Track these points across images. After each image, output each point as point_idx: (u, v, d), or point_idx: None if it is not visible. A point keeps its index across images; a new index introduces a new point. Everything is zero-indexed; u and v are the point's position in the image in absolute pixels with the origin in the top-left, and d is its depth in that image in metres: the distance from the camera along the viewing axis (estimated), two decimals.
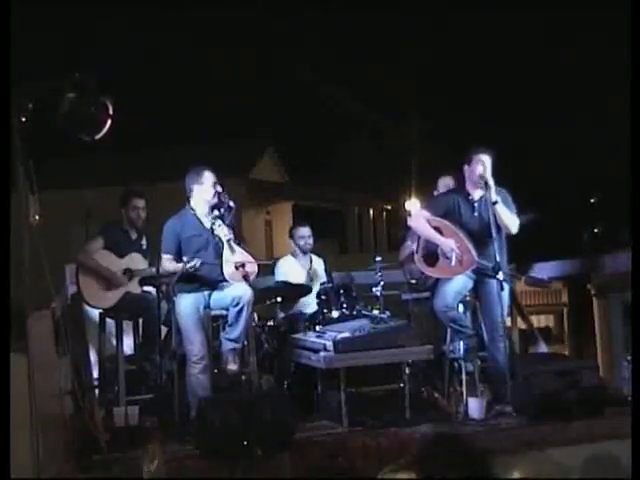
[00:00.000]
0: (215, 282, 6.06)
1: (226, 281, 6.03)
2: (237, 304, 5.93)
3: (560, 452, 5.36)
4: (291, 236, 7.49)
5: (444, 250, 6.18)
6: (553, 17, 21.03)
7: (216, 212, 6.04)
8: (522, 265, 7.53)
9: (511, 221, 6.18)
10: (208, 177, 6.07)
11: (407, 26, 24.22)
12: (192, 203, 6.14)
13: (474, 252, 6.11)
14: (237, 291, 5.96)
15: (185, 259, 5.89)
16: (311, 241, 7.41)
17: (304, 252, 7.39)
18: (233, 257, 5.95)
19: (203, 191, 6.07)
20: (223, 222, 6.02)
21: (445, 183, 6.88)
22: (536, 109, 22.66)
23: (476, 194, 6.26)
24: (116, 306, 6.31)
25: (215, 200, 6.06)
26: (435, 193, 6.93)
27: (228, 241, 5.97)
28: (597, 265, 8.05)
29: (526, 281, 6.15)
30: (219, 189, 6.09)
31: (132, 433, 5.48)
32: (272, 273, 7.31)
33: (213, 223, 6.00)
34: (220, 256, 6.02)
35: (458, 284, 6.19)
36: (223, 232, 5.97)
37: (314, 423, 5.97)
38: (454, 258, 6.10)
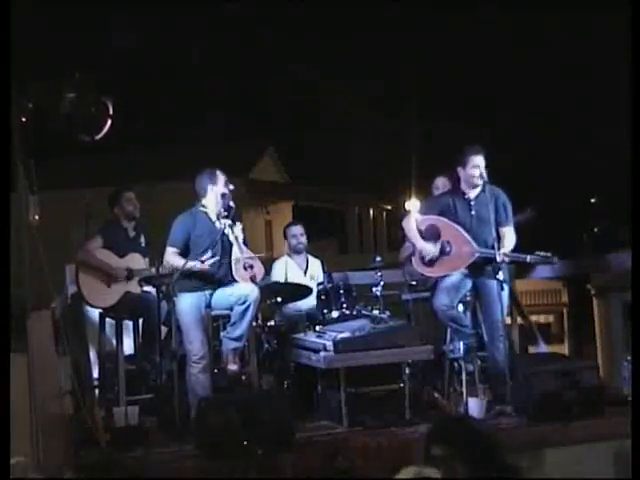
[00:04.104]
0: (220, 281, 6.07)
1: (234, 281, 6.04)
2: (244, 302, 5.94)
3: (560, 452, 5.37)
4: (285, 236, 7.48)
5: (423, 253, 6.23)
6: (554, 17, 21.03)
7: (226, 212, 6.07)
8: (522, 265, 7.53)
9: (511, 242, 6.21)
10: (221, 178, 6.12)
11: (407, 26, 24.23)
12: (204, 202, 6.15)
13: (474, 243, 6.12)
14: (244, 290, 5.97)
15: (205, 256, 5.89)
16: (303, 240, 7.37)
17: (297, 251, 7.36)
18: (242, 257, 5.96)
19: (217, 191, 6.09)
20: (233, 222, 6.06)
21: (442, 183, 6.88)
22: (536, 109, 22.65)
23: (472, 193, 6.26)
24: (116, 306, 6.31)
25: (226, 200, 6.08)
26: (435, 192, 6.92)
27: (237, 241, 6.00)
28: (597, 265, 8.04)
29: (531, 260, 6.12)
30: (232, 187, 6.13)
31: (132, 433, 5.48)
32: (269, 274, 7.29)
33: (224, 223, 6.03)
34: (228, 256, 6.04)
35: (458, 283, 6.20)
36: (236, 232, 6.01)
37: (314, 423, 5.98)
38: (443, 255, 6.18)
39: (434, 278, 6.35)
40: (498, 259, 5.99)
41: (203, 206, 6.16)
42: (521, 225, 6.65)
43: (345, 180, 25.87)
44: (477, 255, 6.11)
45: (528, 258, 6.11)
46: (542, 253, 6.11)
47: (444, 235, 6.24)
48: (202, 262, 5.89)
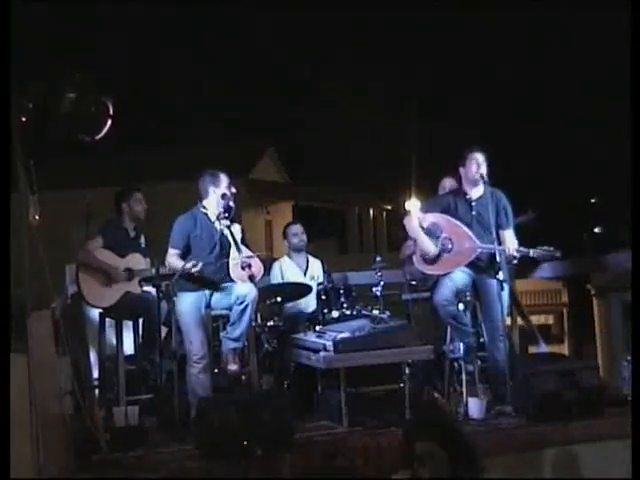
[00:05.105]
0: (220, 282, 6.07)
1: (231, 281, 6.05)
2: (241, 302, 5.94)
3: (560, 452, 5.37)
4: (285, 235, 7.49)
5: (424, 251, 6.23)
6: (554, 17, 21.04)
7: (226, 213, 6.07)
8: (522, 265, 7.53)
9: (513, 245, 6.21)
10: (224, 180, 6.13)
11: (406, 26, 24.23)
12: (204, 203, 6.16)
13: (475, 239, 6.13)
14: (242, 290, 5.97)
15: (191, 263, 5.89)
16: (304, 238, 7.38)
17: (298, 250, 7.37)
18: (240, 257, 5.97)
19: (219, 193, 6.10)
20: (232, 223, 6.07)
21: (448, 184, 6.88)
22: (537, 108, 22.66)
23: (474, 193, 6.28)
24: (116, 306, 6.31)
25: (226, 201, 6.09)
26: (440, 193, 6.92)
27: (235, 241, 6.00)
28: (597, 265, 8.05)
29: (534, 253, 6.13)
30: (234, 190, 6.15)
31: (132, 433, 5.48)
32: (268, 273, 7.28)
33: (223, 224, 6.03)
34: (227, 256, 6.04)
35: (458, 279, 6.19)
36: (235, 232, 6.02)
37: (314, 423, 5.97)
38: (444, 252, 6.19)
39: (434, 277, 6.35)
40: (505, 253, 6.00)
41: (204, 207, 6.17)
42: (522, 226, 6.66)
43: (345, 180, 25.86)
44: (479, 251, 6.12)
45: (531, 252, 6.12)
46: (545, 247, 6.12)
47: (445, 232, 6.24)
48: (195, 266, 5.89)
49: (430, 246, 6.24)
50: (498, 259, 6.02)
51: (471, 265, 6.20)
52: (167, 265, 6.03)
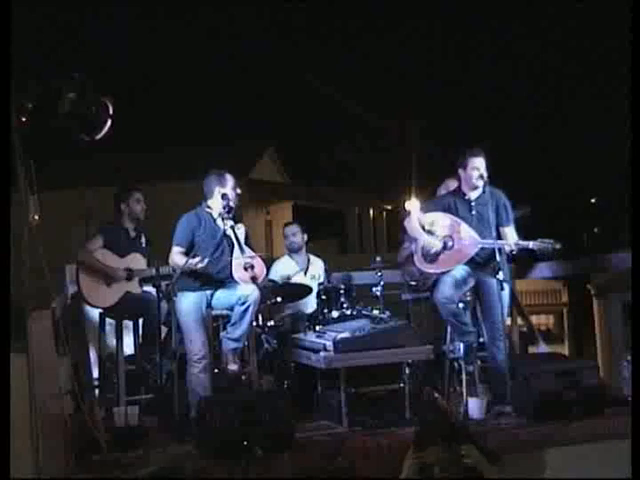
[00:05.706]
0: (222, 282, 6.07)
1: (234, 281, 6.05)
2: (244, 303, 5.94)
3: (560, 452, 5.37)
4: (283, 235, 7.57)
5: (428, 246, 6.23)
6: (553, 17, 21.04)
7: (227, 213, 6.07)
8: (522, 265, 7.54)
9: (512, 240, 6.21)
10: (230, 180, 6.14)
11: (405, 24, 24.24)
12: (209, 203, 6.16)
13: (476, 235, 6.13)
14: (245, 290, 5.97)
15: (197, 259, 5.89)
16: (297, 239, 7.45)
17: (293, 250, 7.45)
18: (243, 258, 5.97)
19: (224, 193, 6.09)
20: (235, 223, 6.07)
21: (450, 185, 6.86)
22: (537, 108, 22.67)
23: (473, 194, 6.28)
24: (116, 306, 6.32)
25: (227, 201, 6.08)
26: (443, 193, 6.90)
27: (239, 242, 6.00)
28: (597, 265, 8.05)
29: (534, 246, 6.13)
30: (239, 191, 6.15)
31: (132, 433, 5.48)
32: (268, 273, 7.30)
33: (227, 224, 6.03)
34: (229, 256, 6.05)
35: (460, 277, 6.18)
36: (239, 233, 6.02)
37: (314, 423, 5.98)
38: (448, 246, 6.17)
39: (434, 277, 6.35)
40: (507, 248, 6.01)
41: (208, 207, 6.17)
42: (518, 221, 6.65)
43: (345, 180, 25.88)
44: (479, 246, 6.12)
45: (531, 244, 6.11)
46: (546, 239, 6.11)
47: (446, 229, 6.24)
48: (202, 260, 5.89)
49: (433, 241, 6.23)
50: (498, 258, 6.00)
51: (471, 264, 6.20)
52: (171, 263, 6.03)
